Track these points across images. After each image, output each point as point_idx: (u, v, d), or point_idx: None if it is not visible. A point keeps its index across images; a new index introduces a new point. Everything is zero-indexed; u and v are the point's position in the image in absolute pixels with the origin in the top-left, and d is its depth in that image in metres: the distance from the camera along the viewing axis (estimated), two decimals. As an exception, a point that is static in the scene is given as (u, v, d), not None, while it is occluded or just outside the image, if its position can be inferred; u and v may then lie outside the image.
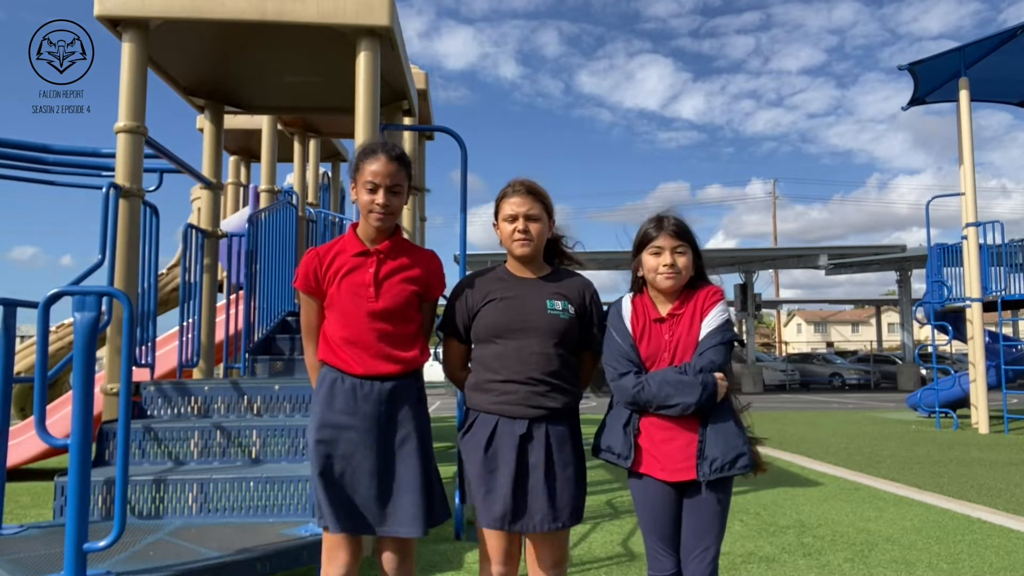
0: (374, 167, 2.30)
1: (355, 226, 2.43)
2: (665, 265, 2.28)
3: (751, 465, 2.21)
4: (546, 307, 2.31)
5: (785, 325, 58.62)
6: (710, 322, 2.25)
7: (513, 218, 2.34)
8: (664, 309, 2.32)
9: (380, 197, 2.30)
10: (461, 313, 2.39)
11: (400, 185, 2.34)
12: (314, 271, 2.35)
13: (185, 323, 5.57)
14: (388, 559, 2.32)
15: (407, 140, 7.02)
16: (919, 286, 24.48)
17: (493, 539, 2.27)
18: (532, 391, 2.24)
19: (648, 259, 2.32)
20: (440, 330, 2.49)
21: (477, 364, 2.36)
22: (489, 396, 2.28)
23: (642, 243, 2.35)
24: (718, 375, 2.17)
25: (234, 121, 9.04)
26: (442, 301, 2.63)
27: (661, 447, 2.22)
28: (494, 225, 2.43)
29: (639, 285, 2.40)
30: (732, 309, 28.27)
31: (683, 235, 2.31)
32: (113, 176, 4.42)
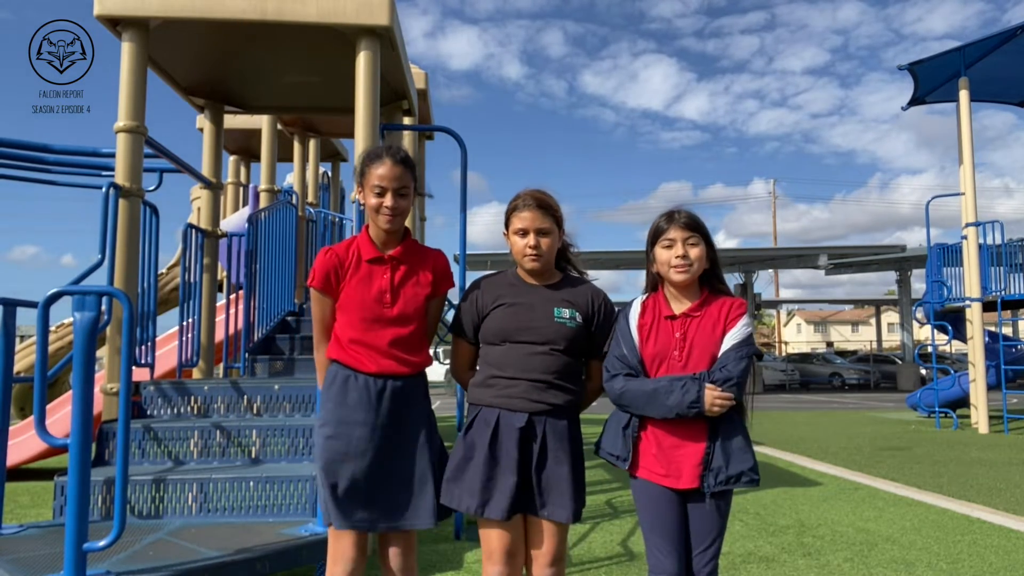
0: (381, 171, 2.35)
1: (367, 228, 2.46)
2: (677, 257, 2.27)
3: (757, 480, 2.22)
4: (553, 315, 2.33)
5: (785, 325, 58.61)
6: (734, 335, 2.23)
7: (524, 232, 2.35)
8: (678, 307, 2.31)
9: (388, 200, 2.35)
10: (471, 314, 2.42)
11: (406, 187, 2.39)
12: (334, 269, 2.38)
13: (185, 323, 5.57)
14: (393, 554, 2.33)
15: (407, 140, 7.03)
16: (919, 286, 24.51)
17: (495, 536, 2.27)
18: (534, 386, 2.28)
19: (660, 252, 2.32)
20: (450, 331, 2.52)
21: (483, 362, 2.40)
22: (492, 391, 2.31)
23: (654, 237, 2.35)
24: (713, 391, 2.13)
25: (234, 121, 9.04)
26: (451, 298, 2.66)
27: (669, 453, 2.22)
28: (504, 235, 2.45)
29: (654, 282, 2.40)
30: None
31: (695, 227, 2.31)
32: (113, 176, 4.42)
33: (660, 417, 2.19)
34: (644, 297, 2.39)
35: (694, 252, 2.28)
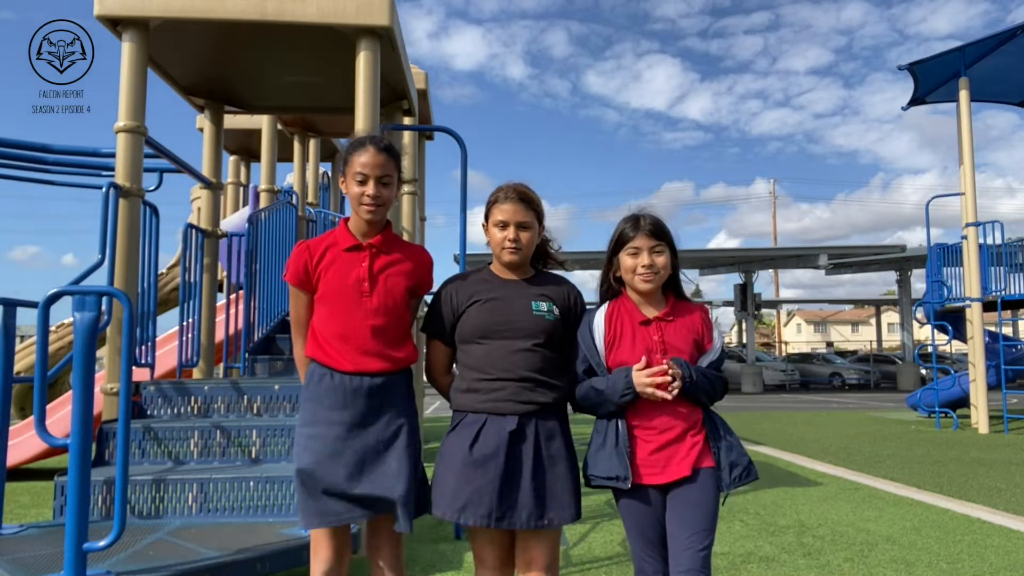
0: (363, 158, 2.31)
1: (347, 220, 2.42)
2: (643, 266, 2.25)
3: (757, 475, 2.26)
4: (531, 308, 2.30)
5: (785, 325, 58.62)
6: (713, 352, 2.30)
7: (504, 225, 2.32)
8: (649, 312, 2.30)
9: (370, 188, 2.30)
10: (446, 314, 2.36)
11: (390, 176, 2.34)
12: (304, 264, 2.34)
13: (185, 323, 5.57)
14: (380, 552, 2.33)
15: (407, 140, 7.02)
16: (919, 286, 24.50)
17: (484, 542, 2.24)
18: (521, 387, 2.23)
19: (626, 260, 2.30)
20: (423, 331, 2.45)
21: (463, 366, 2.34)
22: (478, 395, 2.25)
23: (618, 244, 2.33)
24: (641, 372, 2.17)
25: (234, 121, 9.03)
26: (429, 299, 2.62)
27: (656, 457, 2.18)
28: (483, 227, 2.41)
29: (616, 288, 2.38)
30: (731, 309, 28.30)
31: (660, 234, 2.29)
32: (113, 176, 4.42)
33: (604, 412, 2.23)
34: (606, 307, 2.35)
35: (660, 260, 2.27)
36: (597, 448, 2.25)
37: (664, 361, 2.19)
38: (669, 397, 2.14)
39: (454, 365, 2.43)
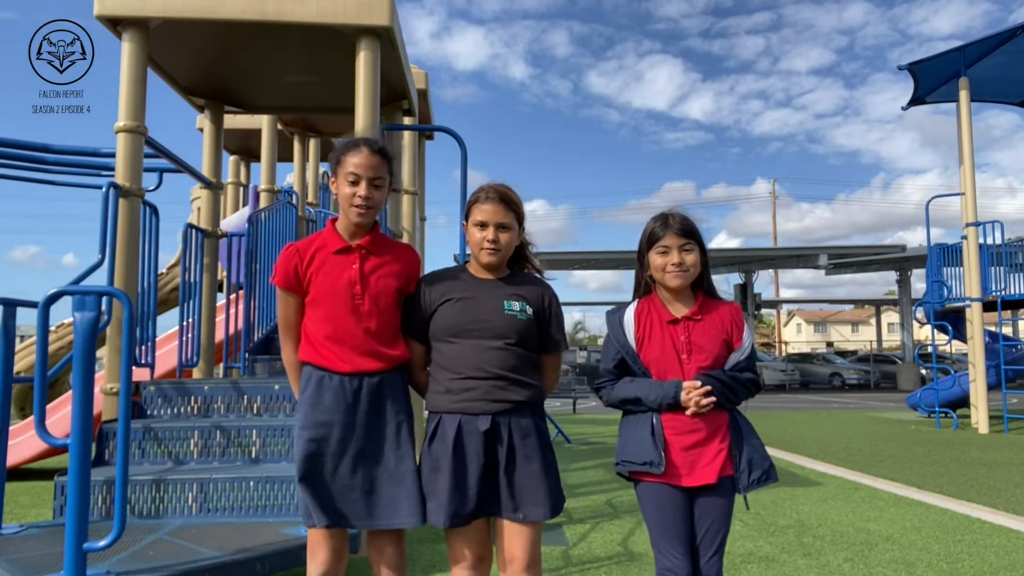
0: (356, 159, 2.29)
1: (334, 221, 2.41)
2: (673, 264, 2.29)
3: (777, 478, 2.33)
4: (503, 307, 2.29)
5: (785, 325, 58.61)
6: (741, 352, 2.32)
7: (483, 225, 2.30)
8: (677, 311, 2.33)
9: (362, 189, 2.28)
10: (419, 312, 2.36)
11: (382, 178, 2.33)
12: (295, 267, 2.32)
13: (185, 323, 5.57)
14: (382, 552, 2.32)
15: (407, 140, 7.03)
16: (919, 286, 24.51)
17: (461, 542, 2.23)
18: (493, 385, 2.21)
19: (655, 258, 2.32)
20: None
21: (436, 366, 2.33)
22: (451, 396, 2.24)
23: (649, 243, 2.36)
24: (685, 392, 2.22)
25: (234, 121, 9.03)
26: None
27: (685, 453, 2.24)
28: (464, 225, 2.41)
29: (647, 286, 2.40)
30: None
31: (689, 233, 2.32)
32: (113, 176, 4.42)
33: (637, 409, 2.28)
34: (636, 304, 2.39)
35: (689, 258, 2.30)
36: (629, 438, 2.30)
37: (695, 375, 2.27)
38: (712, 401, 2.23)
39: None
